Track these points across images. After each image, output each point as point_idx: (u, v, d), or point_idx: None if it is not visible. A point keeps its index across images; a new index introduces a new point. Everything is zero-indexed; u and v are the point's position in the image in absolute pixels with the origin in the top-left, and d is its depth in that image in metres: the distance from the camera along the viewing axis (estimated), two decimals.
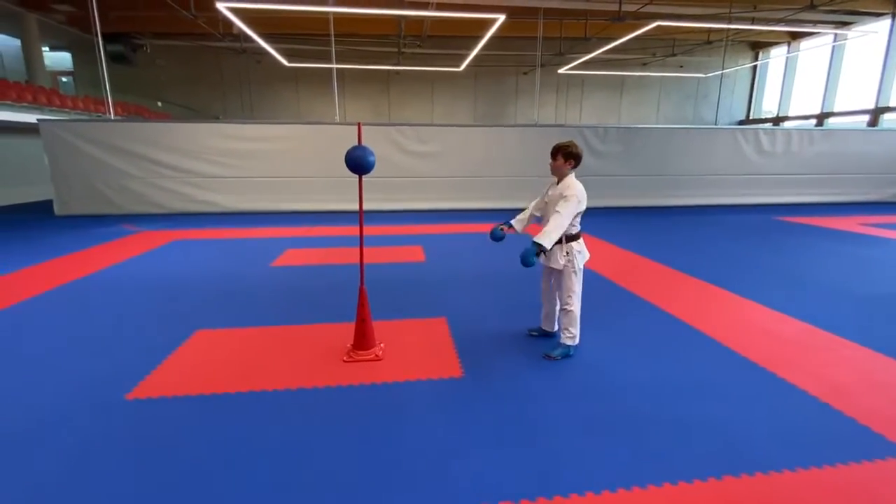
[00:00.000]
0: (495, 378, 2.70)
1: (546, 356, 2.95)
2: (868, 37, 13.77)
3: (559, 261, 2.87)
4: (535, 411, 2.36)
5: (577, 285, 2.90)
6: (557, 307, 3.08)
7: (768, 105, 20.25)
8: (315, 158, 8.66)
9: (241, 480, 1.86)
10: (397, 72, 18.00)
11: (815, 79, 17.06)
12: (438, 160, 9.11)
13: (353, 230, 7.01)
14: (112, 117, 9.78)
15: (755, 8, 12.80)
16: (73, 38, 15.33)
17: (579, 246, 2.88)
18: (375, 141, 8.07)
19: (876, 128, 14.04)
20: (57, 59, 16.72)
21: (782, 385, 2.62)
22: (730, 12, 11.83)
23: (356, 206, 2.94)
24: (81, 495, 1.79)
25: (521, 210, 3.16)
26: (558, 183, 2.88)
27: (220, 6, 8.38)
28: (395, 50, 16.62)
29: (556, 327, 3.15)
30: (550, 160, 2.88)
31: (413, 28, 14.96)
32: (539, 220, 3.07)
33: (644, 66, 18.71)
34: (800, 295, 4.20)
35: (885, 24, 14.01)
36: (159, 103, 17.61)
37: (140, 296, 4.14)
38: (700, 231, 7.46)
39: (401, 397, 2.49)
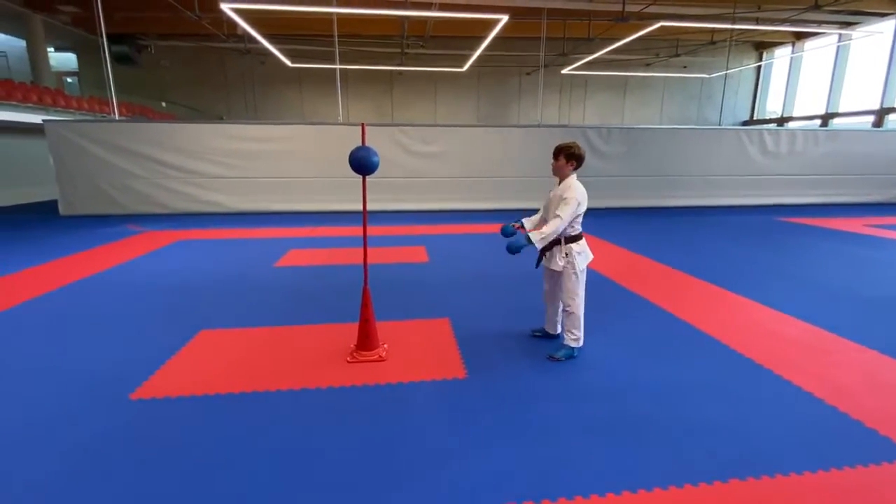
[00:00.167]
0: (499, 379, 2.69)
1: (550, 357, 2.95)
2: (873, 37, 13.70)
3: (559, 262, 2.87)
4: (538, 413, 2.35)
5: (578, 287, 2.89)
6: (560, 309, 3.07)
7: (772, 106, 20.16)
8: (318, 159, 8.68)
9: (245, 480, 1.86)
10: (400, 72, 18.01)
11: (820, 79, 16.99)
12: (441, 161, 9.12)
13: (356, 230, 7.01)
14: (117, 118, 9.82)
15: (759, 8, 12.76)
16: (78, 39, 15.41)
17: (579, 247, 2.86)
18: (379, 141, 8.07)
19: (881, 128, 13.96)
20: (62, 59, 16.81)
21: (788, 387, 2.61)
22: (734, 12, 11.78)
23: (359, 207, 2.94)
24: (85, 495, 1.79)
25: (529, 210, 3.16)
26: (559, 184, 2.88)
27: (224, 7, 8.41)
28: (399, 50, 16.64)
29: (559, 329, 3.14)
30: (552, 160, 2.87)
31: (416, 28, 14.97)
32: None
33: (647, 66, 18.66)
34: (804, 296, 4.18)
35: (889, 24, 13.94)
36: (163, 104, 17.67)
37: (144, 296, 4.15)
38: (703, 232, 7.44)
39: (404, 398, 2.49)
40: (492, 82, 19.40)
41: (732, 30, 14.18)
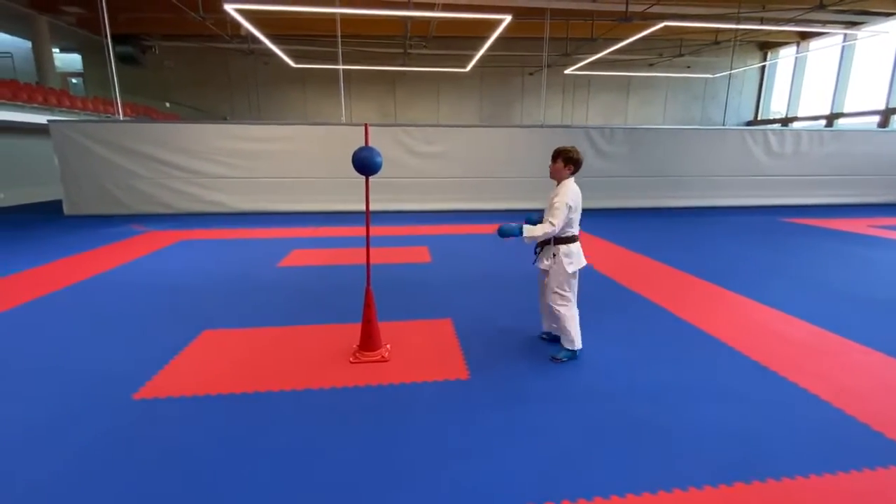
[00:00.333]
0: (501, 380, 2.68)
1: (553, 358, 2.94)
2: (878, 37, 13.61)
3: (545, 262, 2.90)
4: (541, 414, 2.34)
5: (564, 288, 2.88)
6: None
7: (777, 106, 20.06)
8: (321, 159, 8.69)
9: (247, 480, 1.86)
10: (403, 73, 18.02)
11: (825, 79, 16.90)
12: (444, 161, 9.11)
13: (359, 231, 7.01)
14: (121, 118, 9.86)
15: (764, 8, 12.69)
16: (83, 40, 15.49)
17: (567, 249, 2.84)
18: (382, 141, 8.09)
19: (886, 129, 13.87)
20: (67, 60, 16.91)
21: (793, 389, 2.59)
22: (738, 12, 11.73)
23: (362, 207, 2.94)
24: (89, 494, 1.79)
25: (531, 211, 3.16)
26: (557, 186, 2.87)
27: (228, 7, 8.43)
28: (401, 51, 16.65)
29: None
30: (550, 163, 2.88)
31: (419, 29, 14.97)
32: None
33: (651, 66, 18.60)
34: (809, 297, 4.15)
35: (895, 23, 13.84)
36: (167, 104, 17.73)
37: (147, 296, 4.16)
38: (707, 232, 7.40)
39: (407, 399, 2.48)
40: (495, 82, 19.38)
41: (737, 30, 14.12)
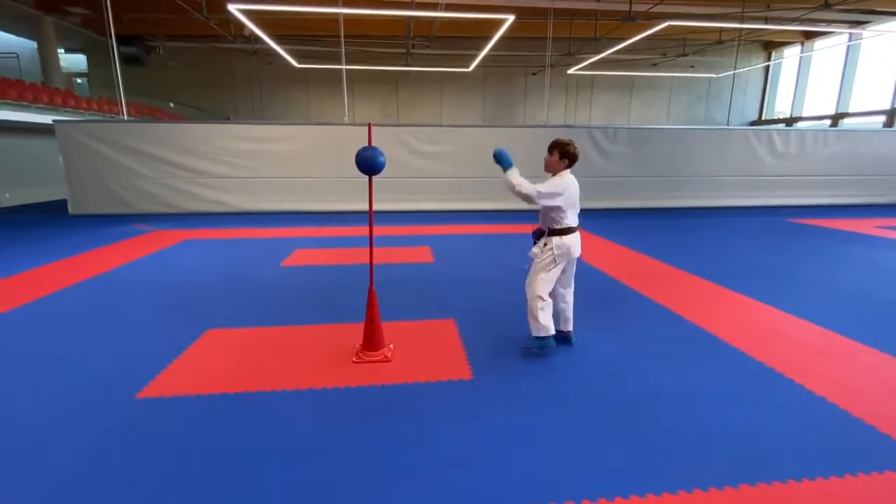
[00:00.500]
0: (505, 380, 2.68)
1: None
2: (884, 36, 13.53)
3: (533, 249, 2.92)
4: (545, 414, 2.33)
5: (540, 275, 2.88)
6: (561, 304, 3.09)
7: (781, 106, 19.97)
8: (325, 159, 8.70)
9: (250, 480, 1.86)
10: (406, 73, 18.03)
11: (830, 79, 16.80)
12: (447, 161, 9.11)
13: (362, 230, 7.02)
14: (125, 118, 9.91)
15: (768, 7, 12.63)
16: (88, 41, 15.58)
17: (560, 241, 2.83)
18: (384, 141, 8.07)
19: (892, 128, 13.78)
20: (72, 61, 16.99)
21: (799, 390, 2.57)
22: (742, 12, 11.68)
23: (365, 207, 2.94)
24: (92, 494, 1.80)
25: (532, 211, 3.14)
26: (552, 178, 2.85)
27: (232, 7, 8.46)
28: (404, 51, 16.65)
29: (570, 326, 3.13)
30: (546, 154, 2.84)
31: (422, 29, 14.98)
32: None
33: (654, 66, 18.55)
34: (815, 298, 4.12)
35: None
36: (171, 104, 17.82)
37: (151, 295, 4.17)
38: (711, 233, 7.37)
39: (410, 399, 2.48)
40: (497, 82, 19.37)
41: (741, 29, 14.05)
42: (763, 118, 20.57)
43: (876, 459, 1.98)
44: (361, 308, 3.03)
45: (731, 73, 16.29)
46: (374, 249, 3.02)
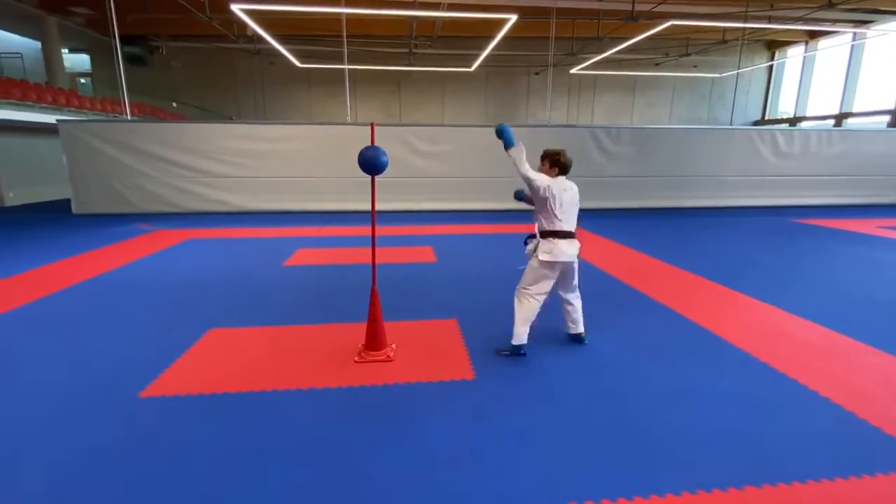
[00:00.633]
0: (507, 381, 2.67)
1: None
2: (888, 36, 13.45)
3: (528, 247, 2.95)
4: (547, 415, 2.33)
5: (527, 279, 2.92)
6: (567, 306, 3.09)
7: (784, 105, 19.89)
8: (327, 159, 8.70)
9: (252, 480, 1.86)
10: (408, 73, 18.02)
11: (834, 78, 16.72)
12: (449, 161, 9.10)
13: (364, 230, 7.02)
14: (128, 118, 9.93)
15: (772, 7, 12.58)
16: (92, 41, 15.63)
17: (549, 245, 2.83)
18: (386, 141, 8.06)
19: None
20: (76, 60, 17.06)
21: (803, 391, 2.55)
22: (746, 11, 11.62)
23: (367, 206, 2.94)
24: (94, 493, 1.80)
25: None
26: None
27: (235, 7, 8.47)
28: (407, 51, 16.65)
29: (580, 328, 3.12)
30: (539, 164, 2.91)
31: (424, 29, 14.98)
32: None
33: (657, 66, 18.49)
34: (819, 299, 4.10)
35: None
36: (174, 104, 17.86)
37: (153, 295, 4.18)
38: (715, 233, 7.34)
39: (412, 399, 2.47)
40: (500, 82, 19.35)
41: (744, 29, 14.00)
42: (766, 118, 20.49)
43: (882, 461, 1.97)
44: (363, 308, 3.03)
45: (735, 72, 16.22)
46: (377, 249, 3.02)
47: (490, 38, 11.51)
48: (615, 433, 2.17)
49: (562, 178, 2.87)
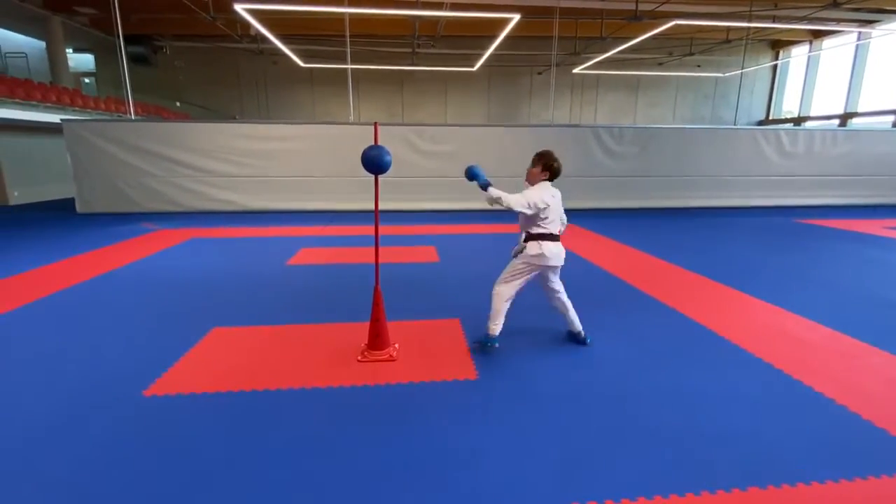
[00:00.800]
0: (510, 380, 2.67)
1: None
2: (893, 36, 13.38)
3: (517, 247, 2.95)
4: (550, 415, 2.32)
5: (509, 274, 2.93)
6: (555, 304, 3.10)
7: (789, 105, 19.81)
8: (330, 158, 8.72)
9: (255, 478, 1.86)
10: (411, 72, 18.03)
11: (838, 78, 16.65)
12: (452, 160, 9.08)
13: (367, 230, 7.03)
14: (132, 117, 9.97)
15: (776, 6, 12.53)
16: (96, 40, 15.69)
17: (538, 248, 2.84)
18: (389, 141, 8.07)
19: None
20: (80, 60, 17.13)
21: (808, 393, 2.54)
22: (750, 11, 11.58)
23: (370, 206, 2.95)
24: (98, 491, 1.80)
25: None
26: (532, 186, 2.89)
27: (238, 7, 8.49)
28: (410, 50, 16.66)
29: (578, 327, 3.11)
30: (529, 166, 2.90)
31: (427, 28, 14.98)
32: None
33: (660, 65, 18.45)
34: (823, 299, 4.09)
35: None
36: (178, 104, 17.91)
37: (157, 293, 4.20)
38: (718, 233, 7.32)
39: (415, 399, 2.47)
40: (502, 82, 19.34)
41: (748, 28, 13.95)
42: (770, 118, 20.42)
43: (887, 462, 1.96)
44: (367, 307, 3.03)
45: (739, 72, 16.16)
46: (380, 249, 3.02)
47: (493, 37, 11.50)
48: (619, 433, 2.17)
49: (548, 184, 2.88)
